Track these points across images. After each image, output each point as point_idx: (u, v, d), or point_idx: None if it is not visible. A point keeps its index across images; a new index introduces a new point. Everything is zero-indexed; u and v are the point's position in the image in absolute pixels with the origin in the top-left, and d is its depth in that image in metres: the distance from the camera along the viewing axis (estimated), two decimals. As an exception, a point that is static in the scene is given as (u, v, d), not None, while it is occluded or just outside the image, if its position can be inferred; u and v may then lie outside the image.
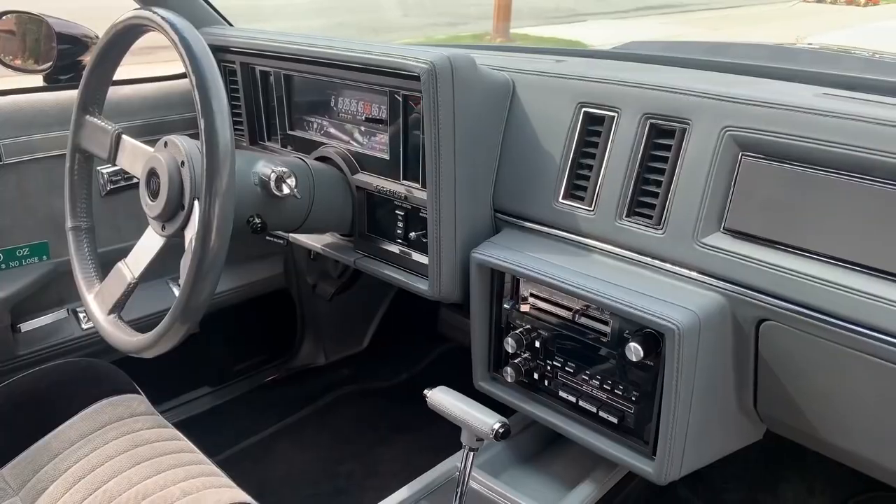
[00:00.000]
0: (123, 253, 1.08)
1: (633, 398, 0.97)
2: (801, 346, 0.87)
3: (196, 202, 0.94)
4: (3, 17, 1.43)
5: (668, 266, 0.94)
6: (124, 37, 1.06)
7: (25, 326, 1.42)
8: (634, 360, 0.91)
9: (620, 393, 0.99)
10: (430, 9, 10.52)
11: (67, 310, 1.48)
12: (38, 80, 1.45)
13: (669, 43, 1.36)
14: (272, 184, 1.06)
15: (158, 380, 1.28)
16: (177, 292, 1.06)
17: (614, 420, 0.99)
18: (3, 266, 1.36)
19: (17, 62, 1.44)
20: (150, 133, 1.12)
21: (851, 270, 0.82)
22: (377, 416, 1.78)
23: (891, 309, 0.78)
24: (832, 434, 0.93)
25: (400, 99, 1.14)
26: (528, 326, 1.07)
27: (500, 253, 1.07)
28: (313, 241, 1.34)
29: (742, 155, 0.88)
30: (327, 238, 1.33)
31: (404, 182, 1.17)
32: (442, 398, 0.96)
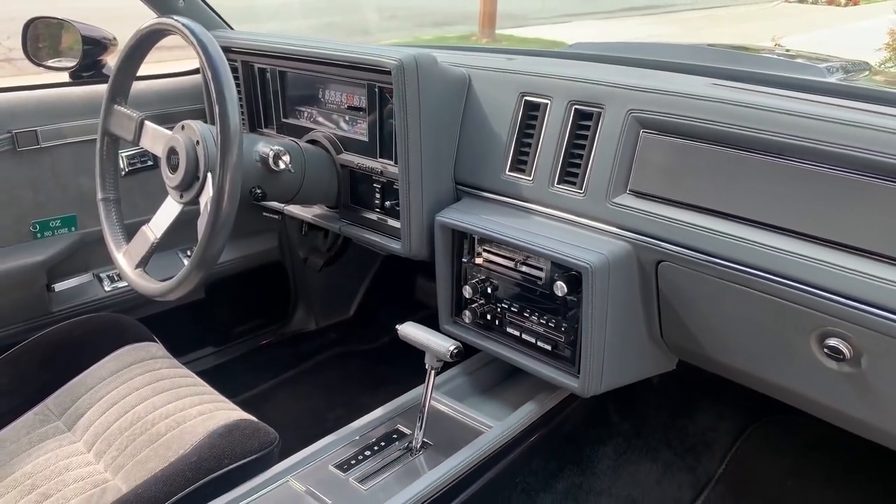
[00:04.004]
0: (142, 225, 1.25)
1: (563, 329, 1.20)
2: (690, 281, 1.09)
3: (209, 174, 1.14)
4: (35, 22, 1.64)
5: (588, 222, 1.17)
6: (148, 39, 1.26)
7: (58, 287, 1.62)
8: (560, 294, 1.14)
9: (553, 326, 1.21)
10: (401, 9, 10.65)
11: (92, 274, 1.68)
12: (64, 77, 1.64)
13: (609, 43, 1.58)
14: (270, 160, 1.26)
15: (167, 340, 1.45)
16: (186, 262, 1.24)
17: (549, 348, 1.22)
18: (39, 235, 1.57)
19: (48, 61, 1.64)
20: (159, 122, 1.30)
21: (725, 219, 1.04)
22: (362, 374, 1.97)
23: (753, 248, 1.00)
24: (720, 353, 1.16)
25: (377, 91, 1.35)
26: (482, 276, 1.30)
27: (459, 216, 1.29)
28: (305, 213, 1.54)
29: (642, 131, 1.11)
30: (316, 210, 1.53)
31: (380, 160, 1.38)
32: (410, 329, 1.18)
